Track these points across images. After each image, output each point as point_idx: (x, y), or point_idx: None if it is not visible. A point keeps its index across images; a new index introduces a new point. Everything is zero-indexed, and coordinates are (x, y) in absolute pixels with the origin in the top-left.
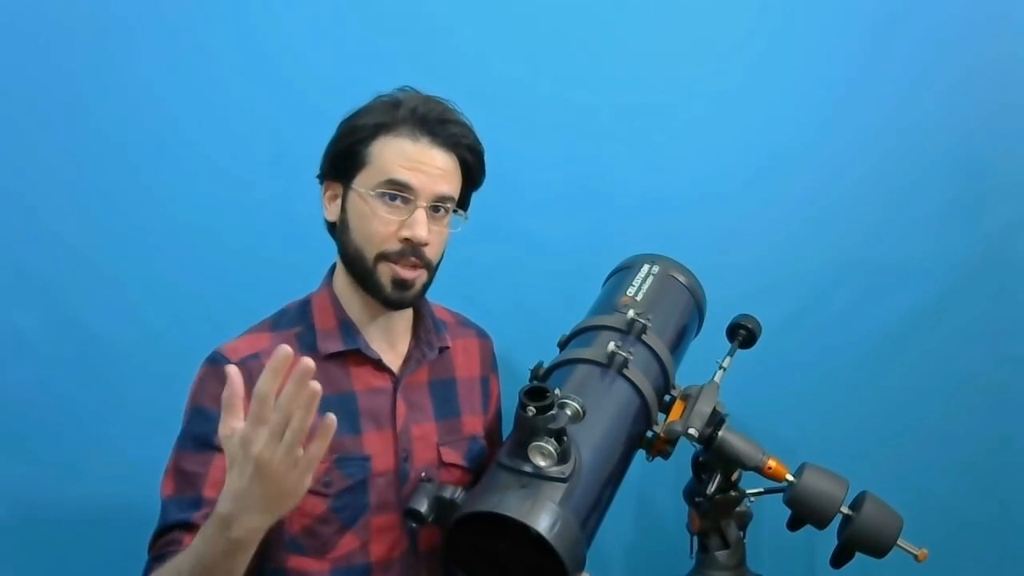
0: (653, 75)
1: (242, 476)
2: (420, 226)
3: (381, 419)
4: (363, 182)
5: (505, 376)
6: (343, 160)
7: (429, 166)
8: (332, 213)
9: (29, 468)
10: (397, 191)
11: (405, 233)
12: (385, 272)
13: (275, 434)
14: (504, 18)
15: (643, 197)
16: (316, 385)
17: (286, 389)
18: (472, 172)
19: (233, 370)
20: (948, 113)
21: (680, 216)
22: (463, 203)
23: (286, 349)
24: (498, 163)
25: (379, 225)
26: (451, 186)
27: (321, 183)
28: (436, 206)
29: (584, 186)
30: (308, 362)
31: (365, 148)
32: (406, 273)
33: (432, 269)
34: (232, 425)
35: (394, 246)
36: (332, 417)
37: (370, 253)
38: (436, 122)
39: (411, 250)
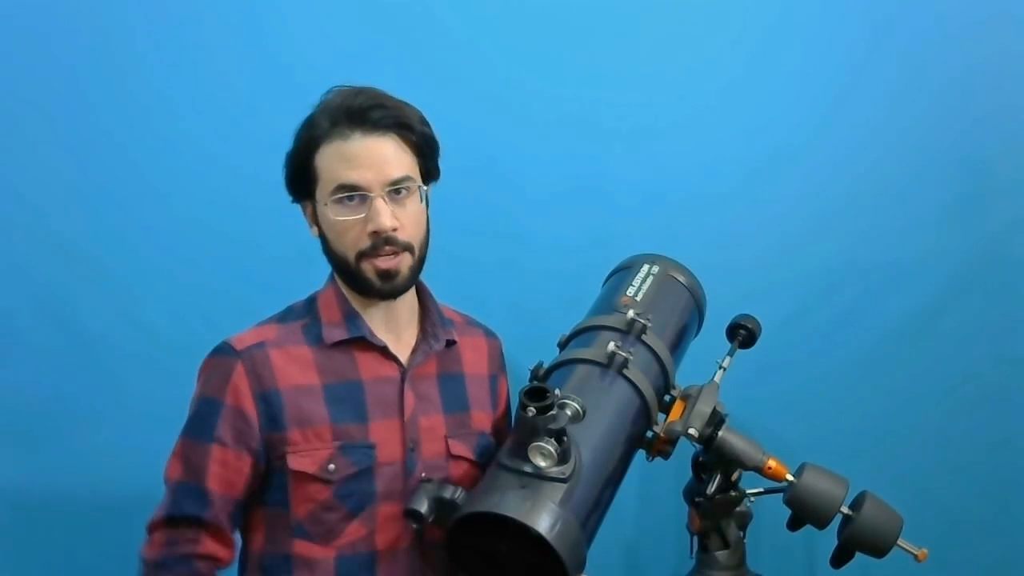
0: (653, 74)
1: None
2: (381, 216)
3: (388, 408)
4: (320, 195)
5: None
6: (299, 182)
7: (368, 158)
8: (314, 230)
9: (29, 465)
10: (349, 192)
11: (370, 227)
12: (368, 269)
13: None
14: (504, 18)
15: (643, 197)
16: None
17: None
18: (419, 146)
19: None
20: (948, 112)
21: (680, 216)
22: (428, 174)
23: None
24: (498, 163)
25: (346, 229)
26: (400, 167)
27: (301, 206)
28: (396, 189)
29: (584, 186)
30: None
31: (311, 163)
32: (386, 264)
33: (414, 250)
34: None
35: (366, 243)
36: None
37: (350, 256)
38: (361, 113)
39: (383, 241)
